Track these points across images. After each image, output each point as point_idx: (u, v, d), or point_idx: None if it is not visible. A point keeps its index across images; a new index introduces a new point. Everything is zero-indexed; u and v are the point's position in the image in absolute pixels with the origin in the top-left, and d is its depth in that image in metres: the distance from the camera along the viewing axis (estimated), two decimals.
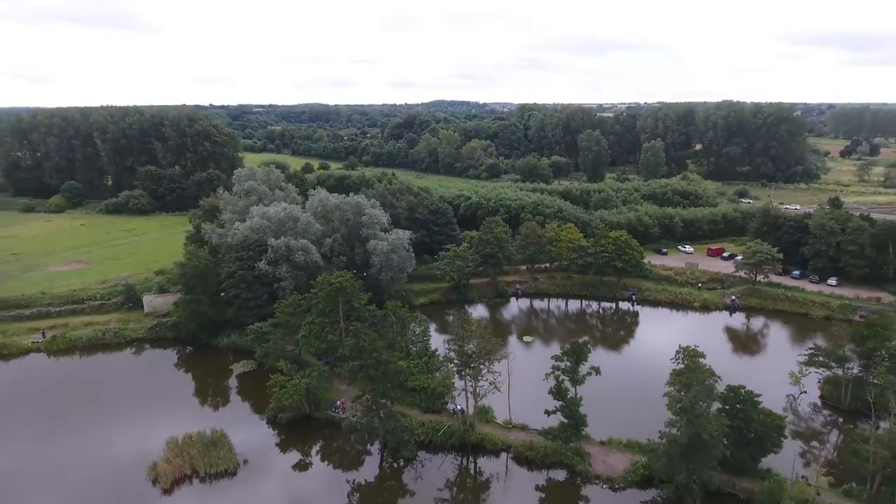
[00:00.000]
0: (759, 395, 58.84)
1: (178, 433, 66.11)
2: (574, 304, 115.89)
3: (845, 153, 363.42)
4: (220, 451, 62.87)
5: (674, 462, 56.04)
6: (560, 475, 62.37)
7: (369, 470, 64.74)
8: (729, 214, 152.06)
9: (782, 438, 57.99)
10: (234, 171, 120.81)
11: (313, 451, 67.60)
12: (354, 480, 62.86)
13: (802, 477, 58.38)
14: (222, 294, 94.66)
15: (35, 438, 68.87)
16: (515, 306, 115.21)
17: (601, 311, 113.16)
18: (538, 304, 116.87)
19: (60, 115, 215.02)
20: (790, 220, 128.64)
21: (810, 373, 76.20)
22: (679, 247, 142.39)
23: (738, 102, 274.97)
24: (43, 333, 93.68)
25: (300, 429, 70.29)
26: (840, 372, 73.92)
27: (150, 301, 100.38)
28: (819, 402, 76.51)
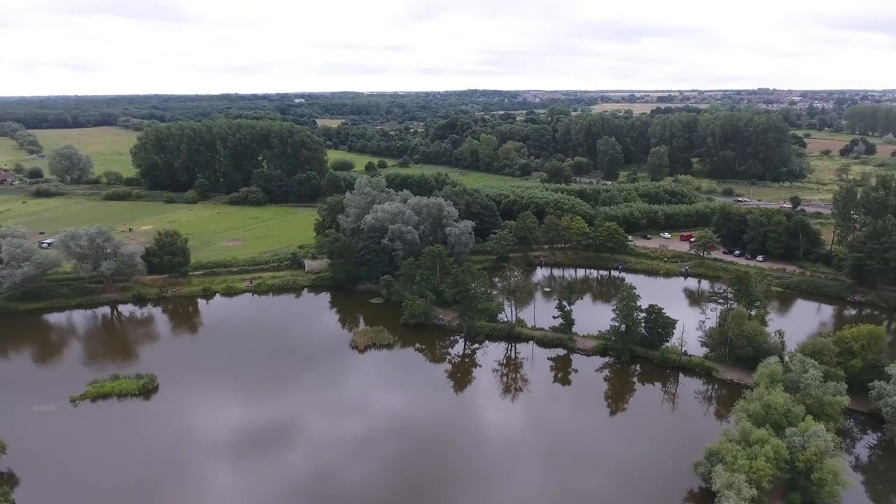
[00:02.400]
0: (663, 308, 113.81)
1: (355, 329, 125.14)
2: (580, 272, 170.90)
3: (845, 152, 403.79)
4: (383, 334, 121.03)
5: (616, 340, 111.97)
6: (561, 352, 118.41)
7: (457, 350, 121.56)
8: (701, 210, 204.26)
9: (673, 330, 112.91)
10: (356, 180, 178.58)
11: (426, 341, 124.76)
12: (449, 355, 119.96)
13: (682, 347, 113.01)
14: (354, 259, 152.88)
15: (279, 333, 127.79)
16: (540, 272, 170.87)
17: (598, 276, 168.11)
18: (556, 271, 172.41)
19: (190, 126, 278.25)
20: (737, 214, 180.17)
21: (716, 309, 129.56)
22: (661, 234, 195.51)
23: (732, 113, 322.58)
24: (250, 281, 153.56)
25: (419, 330, 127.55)
26: (727, 306, 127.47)
27: (309, 263, 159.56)
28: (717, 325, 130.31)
